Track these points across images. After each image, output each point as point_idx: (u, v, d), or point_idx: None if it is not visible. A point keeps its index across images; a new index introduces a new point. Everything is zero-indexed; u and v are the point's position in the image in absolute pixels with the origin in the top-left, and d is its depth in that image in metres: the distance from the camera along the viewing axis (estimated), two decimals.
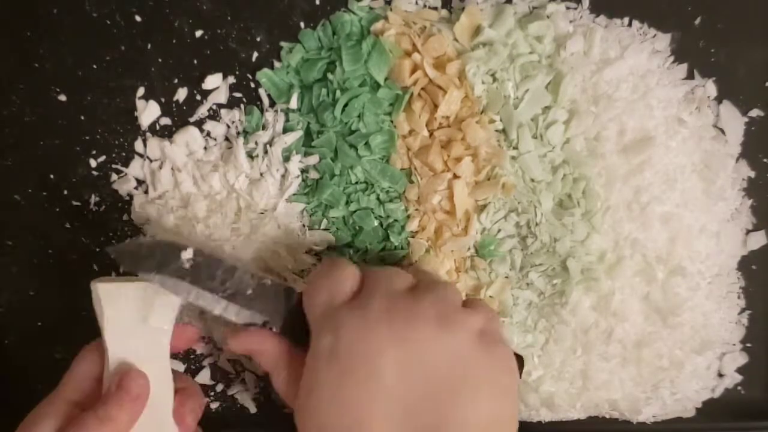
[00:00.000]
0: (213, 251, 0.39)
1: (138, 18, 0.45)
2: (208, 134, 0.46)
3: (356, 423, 0.33)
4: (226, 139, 0.46)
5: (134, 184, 0.46)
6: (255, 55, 0.46)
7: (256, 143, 0.45)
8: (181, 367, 0.48)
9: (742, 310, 0.48)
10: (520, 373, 0.38)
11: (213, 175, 0.45)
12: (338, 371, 0.33)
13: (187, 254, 0.38)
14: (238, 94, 0.46)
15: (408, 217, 0.45)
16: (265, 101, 0.46)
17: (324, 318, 0.35)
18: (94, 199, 0.46)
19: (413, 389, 0.33)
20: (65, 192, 0.46)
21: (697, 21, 0.46)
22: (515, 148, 0.44)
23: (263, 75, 0.45)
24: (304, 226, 0.45)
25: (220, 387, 0.48)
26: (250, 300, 0.38)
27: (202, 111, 0.46)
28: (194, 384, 0.42)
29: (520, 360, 0.39)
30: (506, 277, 0.45)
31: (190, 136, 0.46)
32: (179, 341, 0.40)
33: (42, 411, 0.37)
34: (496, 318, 0.37)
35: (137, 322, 0.38)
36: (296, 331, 0.38)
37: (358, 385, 0.33)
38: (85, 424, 0.35)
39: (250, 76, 0.46)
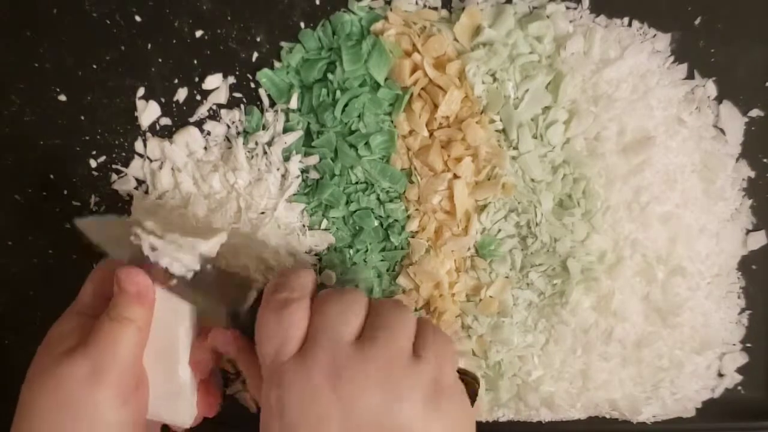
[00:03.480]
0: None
1: (138, 18, 0.45)
2: (208, 134, 0.46)
3: None
4: (226, 139, 0.46)
5: (134, 184, 0.46)
6: (255, 55, 0.46)
7: (256, 143, 0.45)
8: None
9: (742, 310, 0.48)
10: (474, 398, 0.37)
11: (213, 175, 0.45)
12: (286, 430, 0.32)
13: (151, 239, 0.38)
14: (238, 94, 0.46)
15: (408, 217, 0.45)
16: (265, 101, 0.46)
17: (271, 370, 0.34)
18: (94, 199, 0.46)
19: None
20: (65, 192, 0.46)
21: (697, 21, 0.46)
22: (515, 148, 0.44)
23: (263, 75, 0.45)
24: (304, 226, 0.45)
25: None
26: (206, 287, 0.38)
27: (202, 111, 0.46)
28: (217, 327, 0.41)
29: (475, 381, 0.37)
30: (506, 277, 0.45)
31: (190, 136, 0.46)
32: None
33: (62, 329, 0.38)
34: (448, 356, 0.35)
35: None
36: (248, 329, 0.37)
37: None
38: (103, 328, 0.36)
39: (250, 76, 0.46)
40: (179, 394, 0.38)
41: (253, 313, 0.37)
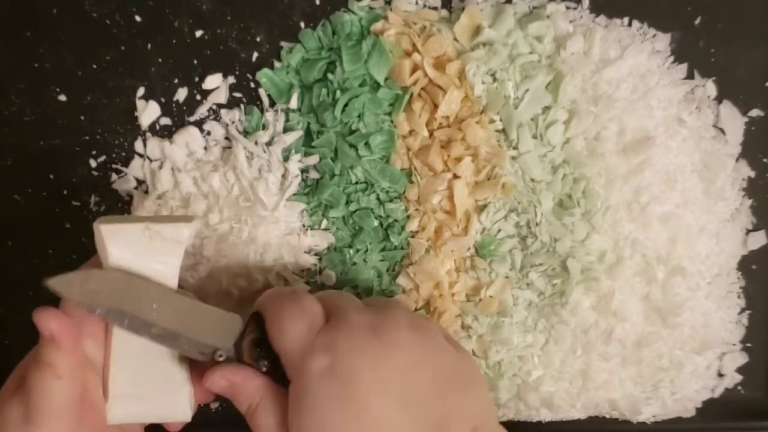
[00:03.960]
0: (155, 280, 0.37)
1: (138, 18, 0.45)
2: (208, 134, 0.46)
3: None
4: (226, 138, 0.46)
5: (134, 184, 0.46)
6: (255, 55, 0.46)
7: (256, 143, 0.45)
8: None
9: (742, 310, 0.48)
10: None
11: (213, 175, 0.45)
12: (340, 388, 0.33)
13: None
14: (238, 94, 0.46)
15: (408, 217, 0.45)
16: (265, 101, 0.46)
17: (308, 343, 0.34)
18: (94, 199, 0.46)
19: (417, 393, 0.33)
20: (65, 192, 0.46)
21: (697, 21, 0.46)
22: (515, 148, 0.44)
23: (263, 75, 0.45)
24: (304, 226, 0.45)
25: None
26: (195, 329, 0.36)
27: (202, 111, 0.46)
28: None
29: None
30: (506, 277, 0.45)
31: (190, 136, 0.46)
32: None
33: (22, 364, 0.37)
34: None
35: (141, 263, 0.37)
36: (246, 359, 0.36)
37: (366, 397, 0.32)
38: (29, 372, 0.35)
39: (250, 76, 0.46)
40: (176, 389, 0.38)
41: (241, 344, 0.36)
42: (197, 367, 0.39)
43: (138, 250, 0.37)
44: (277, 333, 0.35)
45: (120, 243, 0.36)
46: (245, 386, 0.36)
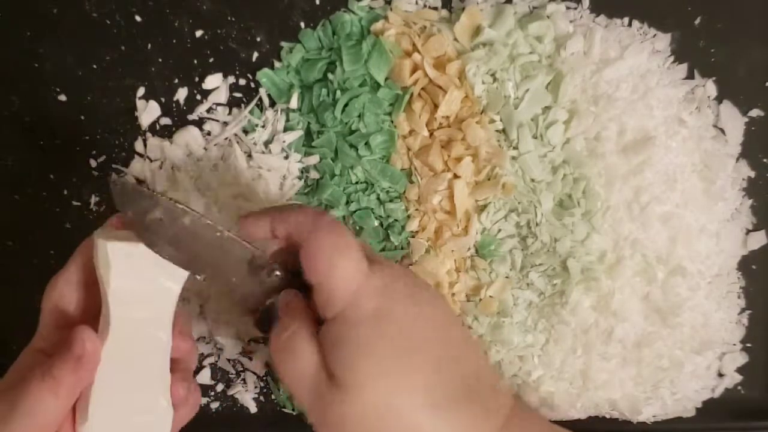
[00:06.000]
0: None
1: (138, 18, 0.45)
2: (208, 134, 0.46)
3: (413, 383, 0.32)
4: (226, 138, 0.46)
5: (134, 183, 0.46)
6: (255, 55, 0.46)
7: (256, 143, 0.45)
8: None
9: (742, 310, 0.48)
10: None
11: (213, 175, 0.45)
12: (392, 331, 0.33)
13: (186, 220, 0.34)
14: (238, 94, 0.46)
15: (408, 217, 0.45)
16: (265, 101, 0.46)
17: (359, 285, 0.33)
18: (94, 199, 0.46)
19: (448, 347, 0.34)
20: (65, 192, 0.46)
21: (697, 21, 0.46)
22: (515, 148, 0.44)
23: (263, 75, 0.45)
24: None
25: (220, 387, 0.48)
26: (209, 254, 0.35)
27: (202, 111, 0.46)
28: (186, 337, 0.38)
29: None
30: (506, 277, 0.45)
31: (190, 135, 0.46)
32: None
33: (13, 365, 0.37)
34: None
35: (142, 286, 0.35)
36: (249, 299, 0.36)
37: (415, 346, 0.33)
38: (29, 381, 0.34)
39: (250, 76, 0.46)
40: (155, 416, 0.36)
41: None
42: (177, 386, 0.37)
43: (139, 268, 0.35)
44: (324, 269, 0.33)
45: (121, 257, 0.35)
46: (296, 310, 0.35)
